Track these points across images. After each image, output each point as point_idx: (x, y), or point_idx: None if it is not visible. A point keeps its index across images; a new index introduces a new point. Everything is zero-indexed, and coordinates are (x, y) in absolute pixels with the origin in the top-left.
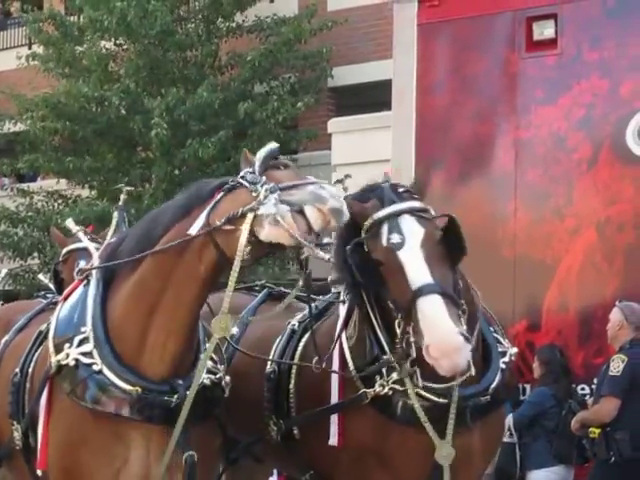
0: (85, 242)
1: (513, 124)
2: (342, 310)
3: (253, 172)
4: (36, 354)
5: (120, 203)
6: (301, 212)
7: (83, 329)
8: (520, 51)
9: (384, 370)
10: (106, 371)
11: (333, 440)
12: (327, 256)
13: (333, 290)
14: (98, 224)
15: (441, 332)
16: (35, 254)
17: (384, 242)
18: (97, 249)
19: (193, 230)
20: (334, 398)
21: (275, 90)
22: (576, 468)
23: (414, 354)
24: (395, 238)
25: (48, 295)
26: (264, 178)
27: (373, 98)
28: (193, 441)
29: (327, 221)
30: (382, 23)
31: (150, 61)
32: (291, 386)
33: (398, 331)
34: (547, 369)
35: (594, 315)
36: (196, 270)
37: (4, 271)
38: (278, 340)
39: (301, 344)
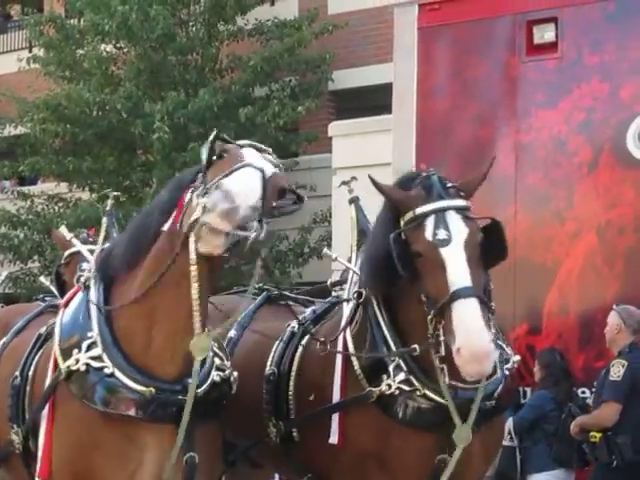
0: (79, 247)
1: (513, 128)
2: (346, 308)
3: (201, 171)
4: (36, 357)
5: (108, 208)
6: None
7: (90, 334)
8: (520, 55)
9: (391, 370)
10: (118, 374)
11: (333, 438)
12: (253, 234)
13: (333, 293)
14: (99, 226)
15: (475, 337)
16: (35, 257)
17: (429, 236)
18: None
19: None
20: (336, 396)
21: (276, 94)
22: (576, 471)
23: (443, 352)
24: (442, 234)
25: (47, 298)
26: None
27: (374, 101)
28: (197, 441)
29: (236, 220)
30: (383, 26)
31: (151, 64)
32: (291, 387)
33: (430, 327)
34: (547, 372)
35: (594, 319)
36: (187, 269)
37: (4, 274)
38: (277, 342)
39: (301, 346)
